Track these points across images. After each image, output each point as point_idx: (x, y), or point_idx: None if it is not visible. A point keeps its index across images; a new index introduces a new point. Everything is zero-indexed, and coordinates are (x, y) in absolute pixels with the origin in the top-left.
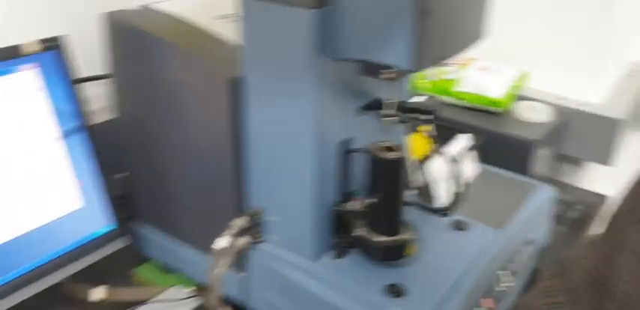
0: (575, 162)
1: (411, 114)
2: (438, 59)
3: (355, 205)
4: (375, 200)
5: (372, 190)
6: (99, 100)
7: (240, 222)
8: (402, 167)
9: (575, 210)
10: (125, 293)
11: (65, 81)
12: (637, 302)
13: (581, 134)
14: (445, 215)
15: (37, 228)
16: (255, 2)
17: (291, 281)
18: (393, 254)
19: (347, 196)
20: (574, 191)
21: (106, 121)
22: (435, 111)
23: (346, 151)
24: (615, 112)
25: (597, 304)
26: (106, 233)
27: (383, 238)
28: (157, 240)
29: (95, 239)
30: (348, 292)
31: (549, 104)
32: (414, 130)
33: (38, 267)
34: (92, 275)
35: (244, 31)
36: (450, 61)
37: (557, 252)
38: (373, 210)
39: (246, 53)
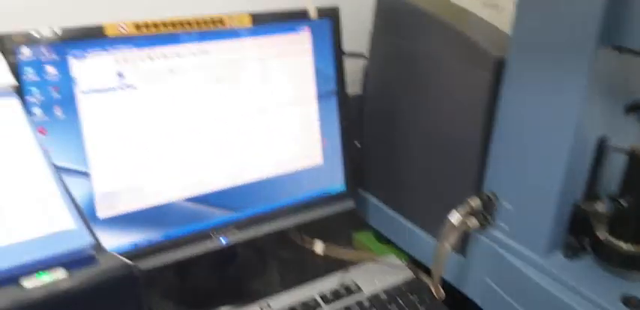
0: None
1: None
2: None
3: (601, 206)
4: (626, 203)
5: (623, 193)
6: (350, 75)
7: (474, 202)
8: None
9: None
10: (344, 253)
11: (332, 48)
12: None
13: None
14: None
15: (279, 175)
16: None
17: (520, 272)
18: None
19: (592, 196)
20: None
21: (354, 95)
22: None
23: (603, 149)
24: None
25: None
26: (336, 193)
27: (632, 247)
28: (380, 211)
29: (325, 196)
30: (582, 294)
31: None
32: None
33: (273, 210)
34: (314, 230)
35: (518, 11)
36: None
37: None
38: (623, 214)
39: (517, 34)
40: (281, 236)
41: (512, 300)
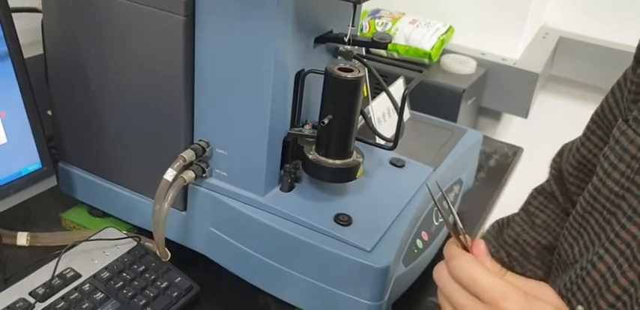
0: (492, 115)
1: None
2: None
3: (307, 129)
4: (327, 122)
5: (324, 114)
6: (28, 35)
7: (187, 155)
8: (359, 88)
9: (493, 160)
10: (53, 239)
11: None
12: None
13: (501, 87)
14: (390, 149)
15: None
16: None
17: (241, 213)
18: (346, 177)
19: (299, 126)
20: (492, 142)
21: (35, 56)
22: (388, 44)
23: (304, 73)
24: (533, 67)
25: None
26: (31, 173)
27: (337, 161)
28: (89, 183)
29: (19, 178)
30: (299, 221)
31: (473, 58)
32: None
33: None
34: (15, 220)
35: None
36: (382, 14)
37: (480, 195)
38: (324, 133)
39: None
40: None
41: (237, 243)
